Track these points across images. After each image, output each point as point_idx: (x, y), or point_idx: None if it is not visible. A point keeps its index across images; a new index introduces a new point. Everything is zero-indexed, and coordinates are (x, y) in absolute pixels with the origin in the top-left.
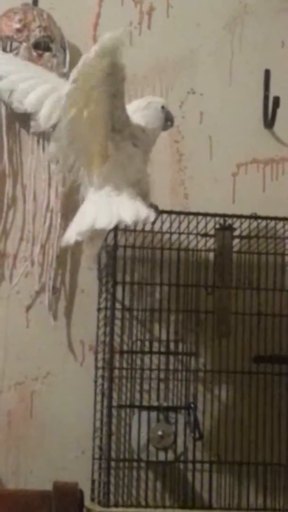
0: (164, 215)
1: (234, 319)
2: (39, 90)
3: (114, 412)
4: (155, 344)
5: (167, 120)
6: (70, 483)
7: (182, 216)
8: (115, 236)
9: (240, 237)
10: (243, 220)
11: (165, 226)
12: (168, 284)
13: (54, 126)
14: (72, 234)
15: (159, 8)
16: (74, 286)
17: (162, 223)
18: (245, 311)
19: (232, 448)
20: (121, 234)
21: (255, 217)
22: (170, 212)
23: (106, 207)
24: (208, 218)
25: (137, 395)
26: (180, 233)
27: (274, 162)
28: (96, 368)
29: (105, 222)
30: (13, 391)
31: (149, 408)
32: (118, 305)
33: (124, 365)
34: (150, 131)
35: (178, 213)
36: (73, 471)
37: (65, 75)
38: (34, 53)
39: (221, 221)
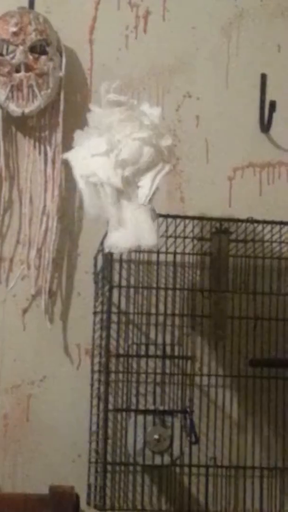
0: (160, 219)
1: (230, 323)
2: None
3: (110, 415)
4: (151, 348)
5: None
6: (66, 487)
7: (178, 220)
8: None
9: (237, 241)
10: (239, 224)
11: (161, 230)
12: (164, 288)
13: None
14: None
15: (155, 12)
16: (70, 290)
17: (158, 226)
18: (241, 315)
19: (229, 452)
20: None
21: (251, 221)
22: (166, 216)
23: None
24: (204, 222)
25: (133, 399)
26: (176, 237)
27: (270, 166)
28: (92, 371)
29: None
30: (10, 395)
31: (145, 412)
32: (114, 309)
33: (120, 368)
34: None
35: (174, 216)
36: (69, 475)
37: (61, 79)
38: (30, 57)
39: (217, 225)
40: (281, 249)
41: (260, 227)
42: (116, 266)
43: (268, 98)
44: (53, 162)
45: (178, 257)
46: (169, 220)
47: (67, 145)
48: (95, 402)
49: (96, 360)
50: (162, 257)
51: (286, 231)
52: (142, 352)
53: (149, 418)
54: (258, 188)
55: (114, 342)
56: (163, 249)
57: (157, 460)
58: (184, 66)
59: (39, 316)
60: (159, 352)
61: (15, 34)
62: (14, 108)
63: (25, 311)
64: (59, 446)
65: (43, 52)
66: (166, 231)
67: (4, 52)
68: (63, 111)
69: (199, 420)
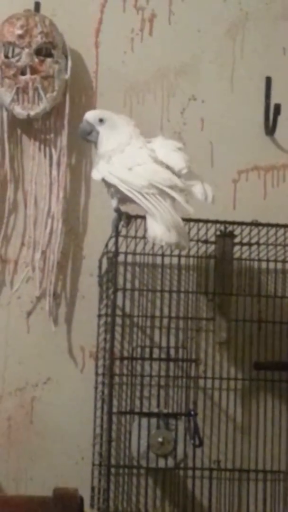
0: None
1: (235, 326)
2: None
3: (114, 418)
4: (156, 351)
5: None
6: (70, 489)
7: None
8: (116, 242)
9: (241, 244)
10: (244, 227)
11: None
12: (169, 291)
13: None
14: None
15: (160, 15)
16: (75, 292)
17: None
18: (245, 318)
19: (232, 455)
20: (122, 240)
21: (256, 224)
22: None
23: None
24: (209, 224)
25: (137, 402)
26: None
27: (275, 169)
28: (97, 374)
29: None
30: (14, 397)
31: (149, 415)
32: (118, 312)
33: (125, 371)
34: None
35: None
36: (73, 478)
37: (66, 82)
38: (36, 59)
39: (222, 227)
40: (286, 252)
41: (264, 230)
42: (121, 269)
43: (273, 101)
44: (58, 165)
45: (183, 260)
46: None
47: (72, 147)
48: (99, 404)
49: (100, 362)
50: (166, 260)
51: None
52: (146, 355)
53: (153, 421)
54: (263, 191)
55: (118, 345)
56: (168, 252)
57: (161, 463)
58: (189, 69)
59: (44, 318)
60: (163, 355)
61: (21, 36)
62: (20, 111)
63: (29, 313)
64: (63, 448)
65: (49, 55)
66: None
67: (10, 54)
68: (69, 114)
69: (203, 423)
